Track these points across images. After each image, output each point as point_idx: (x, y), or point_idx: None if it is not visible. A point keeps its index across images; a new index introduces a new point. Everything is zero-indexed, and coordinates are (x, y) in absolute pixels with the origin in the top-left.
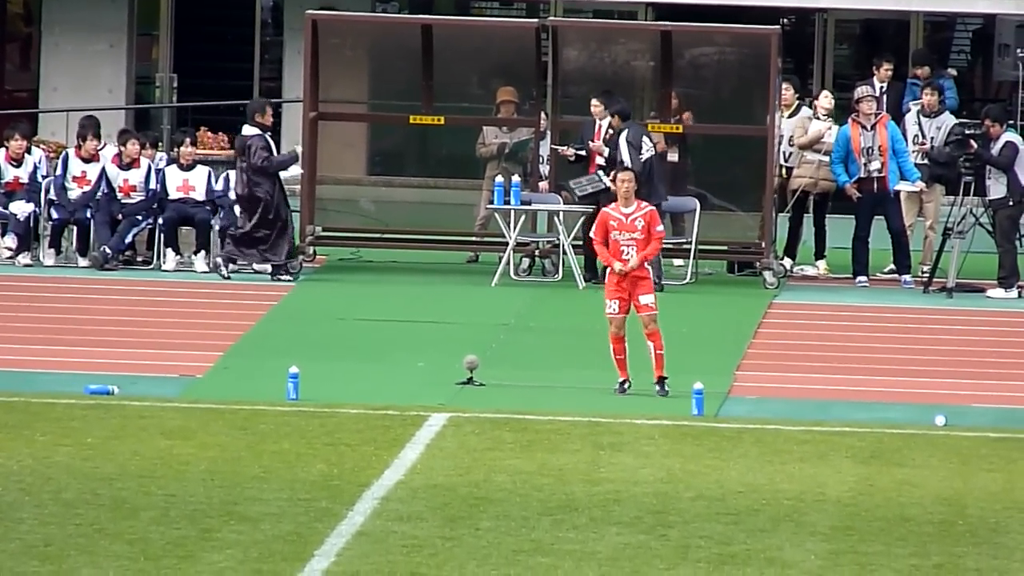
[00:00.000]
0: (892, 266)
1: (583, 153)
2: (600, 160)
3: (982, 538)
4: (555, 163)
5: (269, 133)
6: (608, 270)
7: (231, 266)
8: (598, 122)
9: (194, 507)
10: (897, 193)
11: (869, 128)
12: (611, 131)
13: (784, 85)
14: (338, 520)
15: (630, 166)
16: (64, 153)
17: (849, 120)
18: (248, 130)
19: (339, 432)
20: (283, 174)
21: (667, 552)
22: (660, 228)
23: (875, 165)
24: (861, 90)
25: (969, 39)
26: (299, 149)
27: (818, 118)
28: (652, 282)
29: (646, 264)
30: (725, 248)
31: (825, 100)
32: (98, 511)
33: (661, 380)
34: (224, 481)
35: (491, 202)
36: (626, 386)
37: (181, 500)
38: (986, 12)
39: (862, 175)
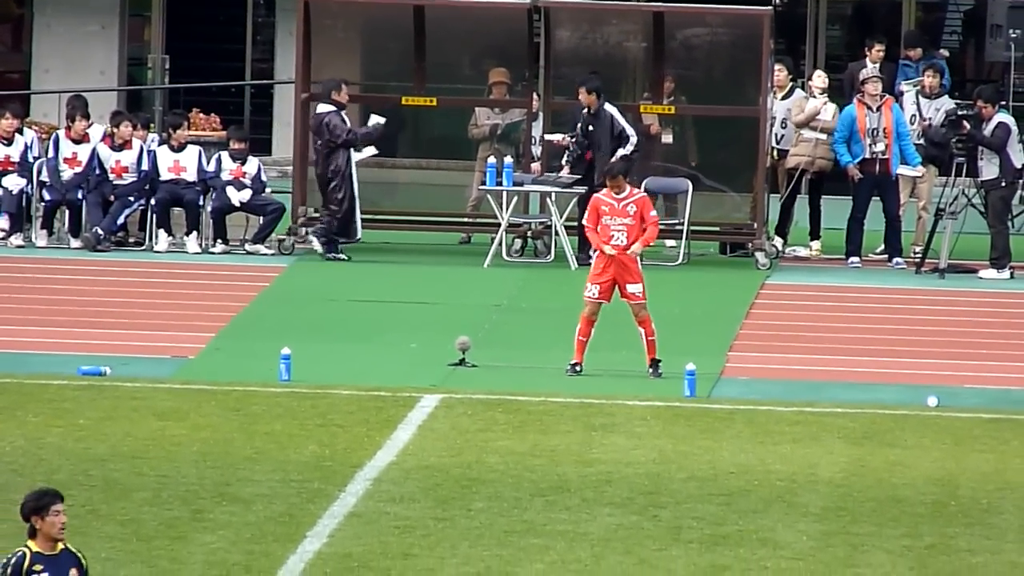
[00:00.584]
0: (883, 248)
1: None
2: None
3: (974, 519)
4: (547, 145)
5: (344, 111)
6: (597, 253)
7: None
8: (588, 109)
9: (186, 488)
10: (897, 177)
11: (875, 109)
12: (587, 110)
13: (777, 67)
14: (330, 501)
15: (632, 135)
16: (55, 135)
17: (855, 100)
18: (323, 107)
19: (331, 413)
20: (355, 155)
21: (659, 533)
22: (654, 214)
23: (880, 147)
24: (867, 70)
25: (961, 20)
26: (382, 120)
27: (812, 96)
28: (639, 270)
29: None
30: (717, 229)
31: (819, 79)
32: (90, 492)
33: (655, 363)
34: (216, 462)
35: (483, 183)
36: (578, 369)
37: (173, 481)
38: None
39: (866, 156)
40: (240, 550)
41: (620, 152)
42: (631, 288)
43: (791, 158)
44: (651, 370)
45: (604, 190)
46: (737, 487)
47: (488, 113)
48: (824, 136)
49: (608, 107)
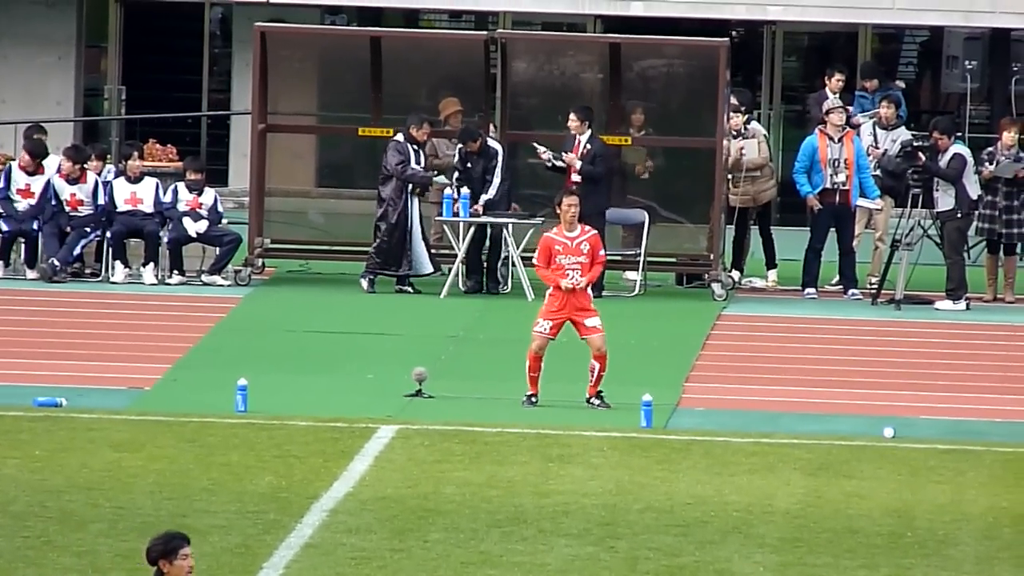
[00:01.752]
0: (837, 279)
1: (560, 164)
2: (575, 177)
3: (931, 550)
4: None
5: (416, 147)
6: (550, 290)
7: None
8: (577, 137)
9: (142, 519)
10: (855, 208)
11: (836, 140)
12: (588, 147)
13: (733, 113)
14: (287, 532)
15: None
16: (8, 166)
17: (816, 131)
18: (399, 137)
19: (288, 444)
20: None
21: (616, 564)
22: (603, 253)
23: (841, 177)
24: (831, 100)
25: (917, 51)
26: (444, 180)
27: (733, 137)
28: (592, 304)
29: (588, 290)
30: (674, 260)
31: (734, 119)
32: (46, 523)
33: (599, 395)
34: (172, 493)
35: (440, 215)
36: (534, 400)
37: (130, 512)
38: (934, 24)
39: (827, 186)
40: None
41: (483, 197)
42: (590, 322)
43: (733, 199)
44: (597, 401)
45: (555, 229)
46: (694, 518)
47: (447, 144)
48: (758, 172)
49: (495, 146)
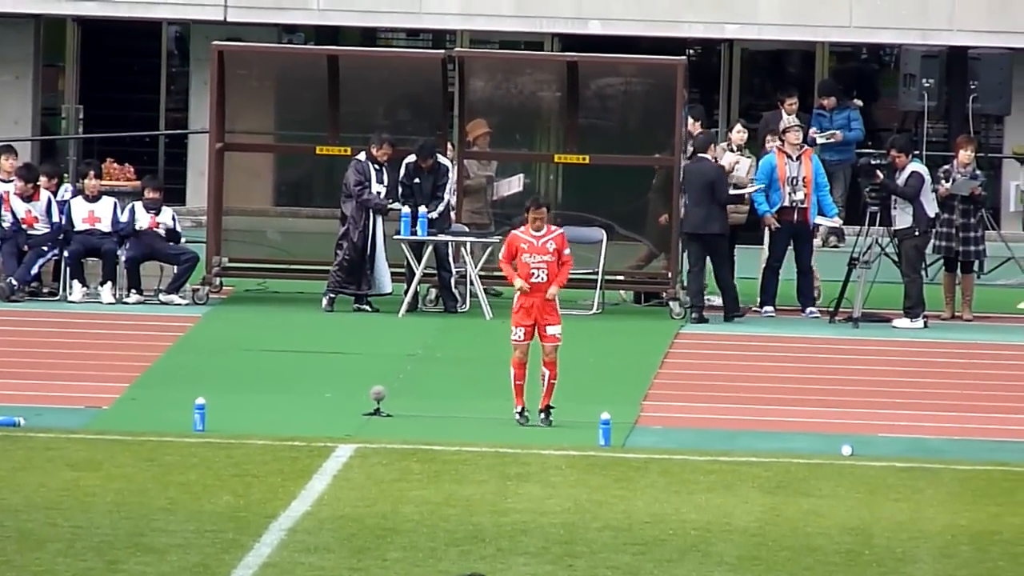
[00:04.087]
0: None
1: None
2: None
3: (889, 568)
4: (460, 194)
5: (378, 166)
6: (516, 295)
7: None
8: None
9: (100, 539)
10: (812, 228)
11: (795, 158)
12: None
13: (690, 120)
14: (245, 551)
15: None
16: None
17: (774, 149)
18: (361, 156)
19: (246, 463)
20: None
21: None
22: (568, 252)
23: (799, 195)
24: (787, 119)
25: (875, 69)
26: (398, 206)
27: (731, 150)
28: (558, 310)
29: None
30: (632, 278)
31: (737, 134)
32: (4, 543)
33: (547, 409)
34: (130, 513)
35: (399, 233)
36: (526, 415)
37: (87, 532)
38: (891, 43)
39: (785, 204)
40: None
41: (426, 212)
42: (551, 330)
43: None
44: (543, 415)
45: (522, 228)
46: (652, 536)
47: (477, 165)
48: (739, 191)
49: (445, 163)
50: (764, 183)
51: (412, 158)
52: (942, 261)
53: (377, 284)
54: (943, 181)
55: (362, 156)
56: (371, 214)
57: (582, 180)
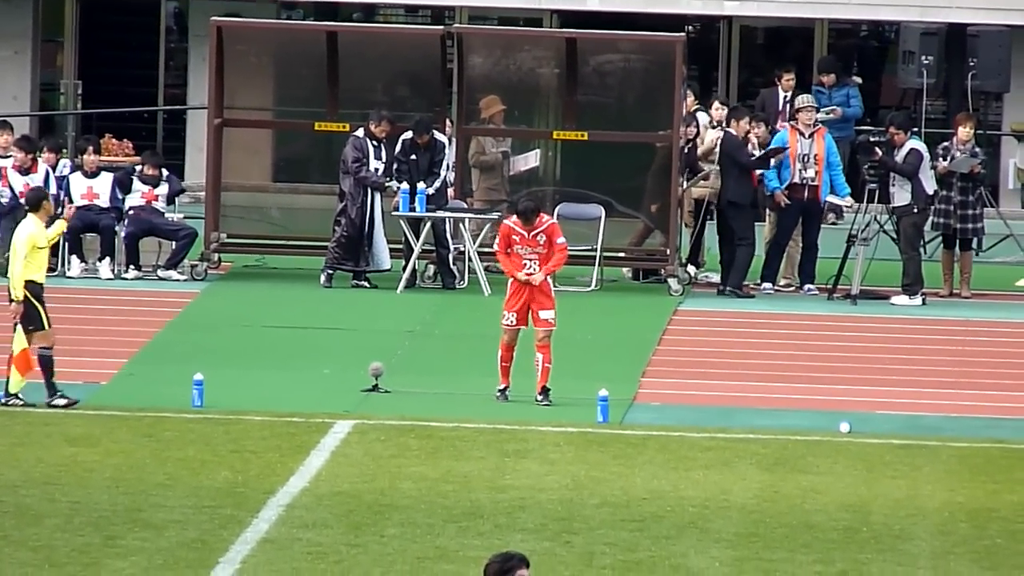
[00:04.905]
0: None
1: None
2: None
3: (886, 545)
4: (461, 170)
5: (376, 143)
6: (511, 280)
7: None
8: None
9: (99, 514)
10: (822, 206)
11: (807, 136)
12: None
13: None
14: (243, 527)
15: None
16: None
17: (787, 126)
18: (359, 132)
19: (244, 439)
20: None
21: (572, 559)
22: (561, 240)
23: (810, 173)
24: (802, 98)
25: (874, 46)
26: (395, 186)
27: (712, 127)
28: (551, 296)
29: (549, 279)
30: (631, 255)
31: (716, 111)
32: (2, 518)
33: (545, 391)
34: (129, 488)
35: (397, 209)
36: (507, 393)
37: (86, 507)
38: (890, 20)
39: (795, 181)
40: None
41: (423, 188)
42: (544, 315)
43: (696, 189)
44: (541, 397)
45: (514, 218)
46: (650, 513)
47: (492, 142)
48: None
49: (442, 139)
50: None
51: (409, 135)
52: (940, 238)
53: (375, 260)
54: (942, 158)
55: (360, 133)
56: (369, 191)
57: (581, 157)
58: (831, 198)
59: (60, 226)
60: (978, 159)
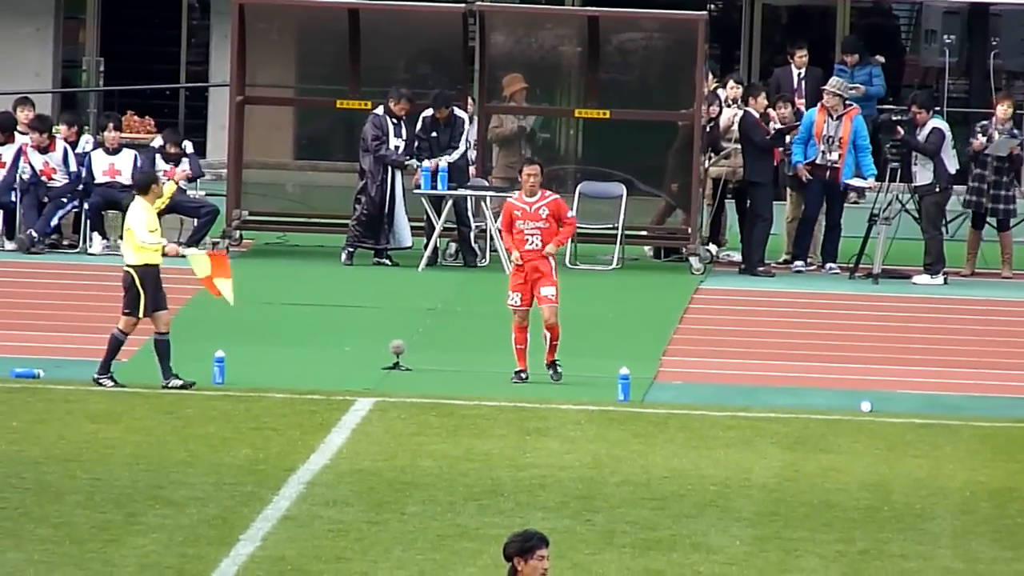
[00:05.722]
0: (785, 256)
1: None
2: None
3: (907, 524)
4: (483, 148)
5: (396, 120)
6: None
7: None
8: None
9: (119, 491)
10: (845, 187)
11: (835, 118)
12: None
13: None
14: (264, 504)
15: (537, 160)
16: None
17: (818, 105)
18: (379, 110)
19: (265, 416)
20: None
21: (593, 537)
22: (571, 214)
23: (834, 155)
24: (830, 83)
25: (896, 25)
26: (415, 164)
27: (727, 105)
28: (553, 274)
29: (551, 259)
30: (652, 234)
31: (732, 90)
32: (23, 495)
33: (553, 364)
34: (150, 465)
35: (419, 187)
36: (524, 376)
37: (106, 484)
38: None
39: (817, 161)
40: (173, 553)
41: (444, 158)
42: (544, 291)
43: (714, 168)
44: (551, 372)
45: (517, 194)
46: (670, 492)
47: (511, 118)
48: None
49: (462, 115)
50: (804, 137)
51: (429, 112)
52: (969, 217)
53: (396, 238)
54: (979, 135)
55: (380, 111)
56: (389, 169)
57: (603, 135)
58: (853, 181)
59: (171, 187)
60: (1017, 139)
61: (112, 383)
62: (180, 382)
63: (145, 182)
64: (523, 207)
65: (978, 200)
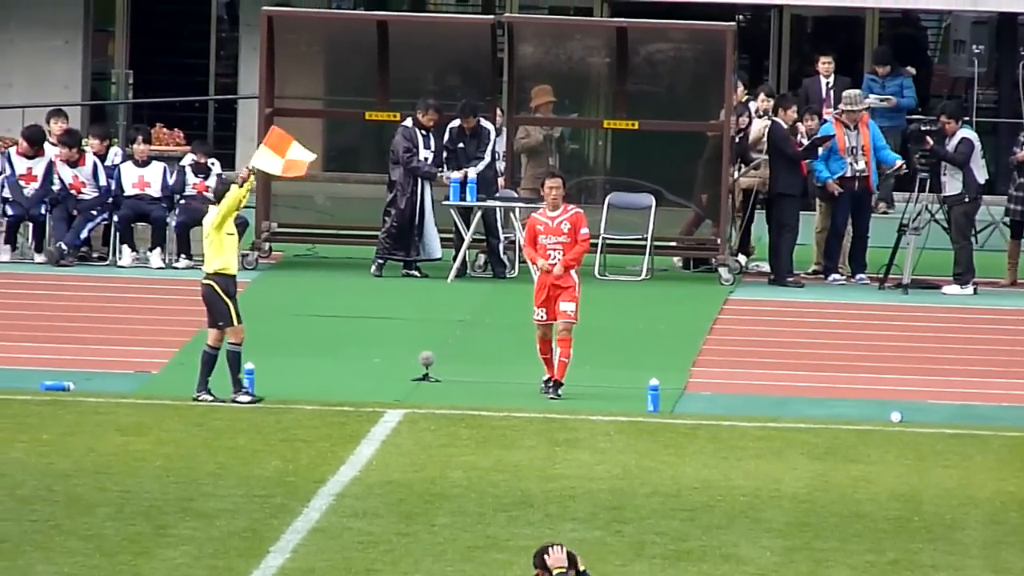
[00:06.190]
0: (815, 266)
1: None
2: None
3: (938, 534)
4: (511, 159)
5: (424, 132)
6: (538, 276)
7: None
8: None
9: (149, 503)
10: (872, 192)
11: (852, 127)
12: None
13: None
14: (293, 516)
15: (558, 173)
16: (7, 152)
17: (832, 119)
18: (407, 122)
19: (295, 428)
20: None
21: (622, 548)
22: (585, 231)
23: (861, 165)
24: (848, 96)
25: (924, 35)
26: (446, 175)
27: (759, 116)
28: (575, 290)
29: (574, 273)
30: (681, 244)
31: (762, 102)
32: (53, 507)
33: (557, 384)
34: (179, 477)
35: (447, 199)
36: (551, 383)
37: (137, 496)
38: (941, 8)
39: (848, 174)
40: (203, 565)
41: (470, 170)
42: (564, 306)
43: (744, 179)
44: (551, 388)
45: (540, 209)
46: (700, 502)
47: (536, 128)
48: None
49: (488, 126)
50: (824, 153)
51: (456, 123)
52: (996, 227)
53: (426, 250)
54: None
55: (408, 123)
56: (419, 180)
57: (631, 146)
58: (888, 169)
59: (249, 184)
60: None
61: (211, 398)
62: (249, 397)
63: (223, 192)
64: (545, 222)
65: (1019, 208)
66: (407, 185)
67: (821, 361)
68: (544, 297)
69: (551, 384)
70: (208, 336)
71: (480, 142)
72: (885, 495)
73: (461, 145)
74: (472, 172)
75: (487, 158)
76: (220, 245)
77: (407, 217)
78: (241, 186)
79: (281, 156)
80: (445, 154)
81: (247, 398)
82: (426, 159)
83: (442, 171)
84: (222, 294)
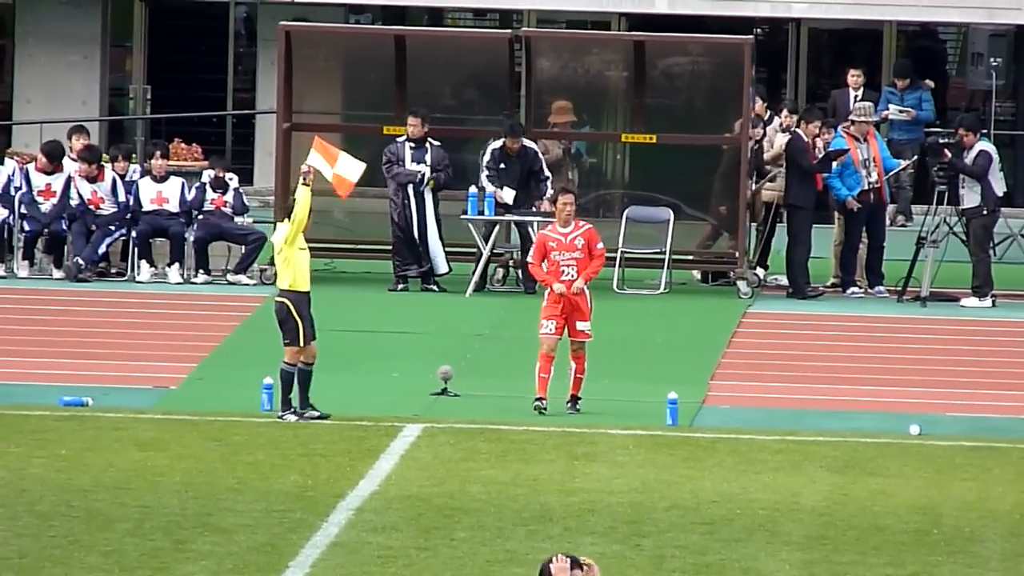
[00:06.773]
0: (833, 280)
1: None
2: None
3: (957, 547)
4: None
5: (413, 144)
6: (548, 290)
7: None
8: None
9: (168, 518)
10: (885, 202)
11: (862, 140)
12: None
13: (758, 100)
14: (312, 531)
15: (571, 189)
16: (25, 168)
17: (842, 133)
18: (401, 137)
19: (313, 443)
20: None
21: (642, 562)
22: (600, 246)
23: (873, 177)
24: (859, 109)
25: (942, 48)
26: (426, 173)
27: (782, 131)
28: (589, 308)
29: (587, 290)
30: (699, 258)
31: (786, 118)
32: (72, 523)
33: (575, 399)
34: (198, 492)
35: (465, 213)
36: (544, 406)
37: (155, 511)
38: (958, 22)
39: (864, 187)
40: None
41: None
42: (580, 325)
43: (765, 192)
44: (569, 405)
45: (550, 226)
46: (719, 516)
47: (556, 143)
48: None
49: (532, 146)
50: (837, 168)
51: (498, 143)
52: (1015, 239)
53: (432, 263)
54: None
55: (402, 138)
56: (411, 192)
57: (649, 160)
58: (897, 166)
59: (307, 191)
60: None
61: (295, 417)
62: (316, 413)
63: (290, 207)
64: (558, 238)
65: None
66: (398, 197)
67: (840, 374)
68: (556, 312)
69: (571, 400)
70: (285, 353)
71: (528, 164)
72: (904, 508)
73: (503, 166)
74: (548, 192)
75: (548, 173)
76: (293, 261)
77: (404, 229)
78: (306, 183)
79: (331, 165)
80: (487, 174)
81: (315, 413)
82: (421, 175)
83: (422, 175)
84: (295, 313)
